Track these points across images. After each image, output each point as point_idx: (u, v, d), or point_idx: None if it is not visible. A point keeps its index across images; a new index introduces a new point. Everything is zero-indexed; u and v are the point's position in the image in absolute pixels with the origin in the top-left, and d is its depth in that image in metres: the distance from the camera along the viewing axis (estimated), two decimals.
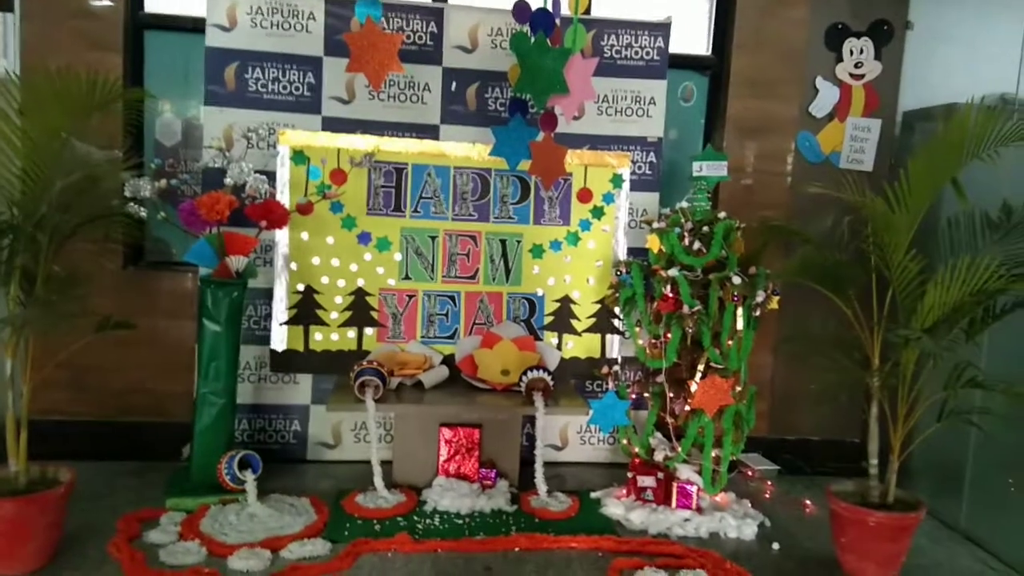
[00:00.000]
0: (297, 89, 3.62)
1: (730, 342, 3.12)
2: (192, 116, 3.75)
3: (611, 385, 3.31)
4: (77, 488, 2.67)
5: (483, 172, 3.69)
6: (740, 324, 3.09)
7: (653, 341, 3.25)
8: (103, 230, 2.99)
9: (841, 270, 2.89)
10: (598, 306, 3.76)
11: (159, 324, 3.65)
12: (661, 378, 3.21)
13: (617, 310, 3.62)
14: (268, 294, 3.57)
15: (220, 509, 2.98)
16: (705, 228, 3.21)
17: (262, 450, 3.51)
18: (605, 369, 3.40)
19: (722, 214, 3.25)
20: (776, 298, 3.16)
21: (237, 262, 3.11)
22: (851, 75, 3.97)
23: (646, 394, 3.32)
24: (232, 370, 3.17)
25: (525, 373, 3.36)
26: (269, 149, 3.59)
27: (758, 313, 3.12)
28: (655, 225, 3.27)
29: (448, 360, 3.63)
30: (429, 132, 3.71)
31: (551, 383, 3.34)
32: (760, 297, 3.07)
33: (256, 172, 3.19)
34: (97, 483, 3.25)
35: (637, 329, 3.35)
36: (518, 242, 3.75)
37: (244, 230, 3.25)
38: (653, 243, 3.30)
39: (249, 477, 3.05)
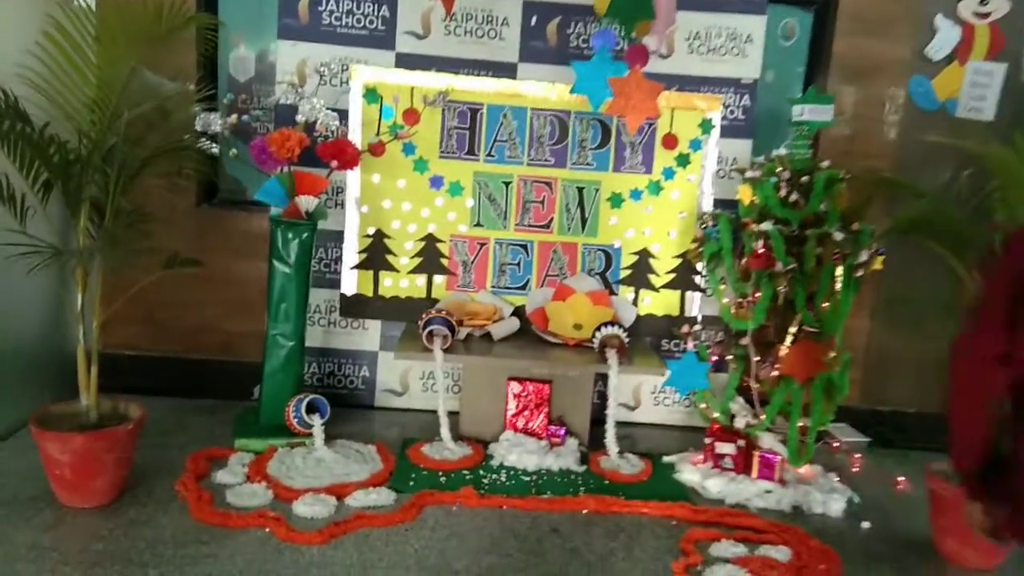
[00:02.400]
0: (371, 23, 3.47)
1: (826, 304, 2.87)
2: (266, 50, 3.64)
3: (690, 345, 3.11)
4: (147, 424, 2.68)
5: (561, 114, 3.48)
6: (839, 285, 2.83)
7: (739, 300, 3.03)
8: (174, 165, 2.92)
9: (962, 228, 2.59)
10: (679, 261, 3.54)
11: (232, 263, 3.63)
12: (746, 340, 2.99)
13: (700, 266, 3.40)
14: (339, 237, 3.49)
15: (287, 452, 2.96)
16: (804, 178, 2.93)
17: (330, 394, 3.48)
18: (685, 328, 3.20)
19: (824, 163, 2.96)
20: (880, 257, 2.88)
21: (307, 202, 3.02)
22: (975, 13, 3.55)
23: (728, 357, 3.11)
24: (301, 312, 3.12)
25: (598, 329, 3.19)
26: (342, 86, 3.46)
27: (860, 274, 2.85)
28: (748, 174, 3.00)
29: (519, 312, 3.49)
30: (506, 71, 3.51)
31: (626, 340, 3.17)
32: (863, 256, 2.80)
33: (328, 109, 3.06)
34: (167, 420, 3.27)
35: (722, 287, 3.13)
36: (596, 190, 3.54)
37: (315, 170, 3.16)
38: (745, 194, 3.04)
39: (316, 421, 3.01)
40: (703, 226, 3.20)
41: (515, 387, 3.23)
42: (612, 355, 3.12)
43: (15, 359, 3.06)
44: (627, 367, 3.13)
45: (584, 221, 3.56)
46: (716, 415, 3.12)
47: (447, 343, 3.10)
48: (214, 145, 3.01)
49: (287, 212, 3.01)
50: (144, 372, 3.63)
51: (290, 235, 3.01)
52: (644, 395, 3.72)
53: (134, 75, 2.45)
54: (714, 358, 3.13)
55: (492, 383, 3.25)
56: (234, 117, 2.98)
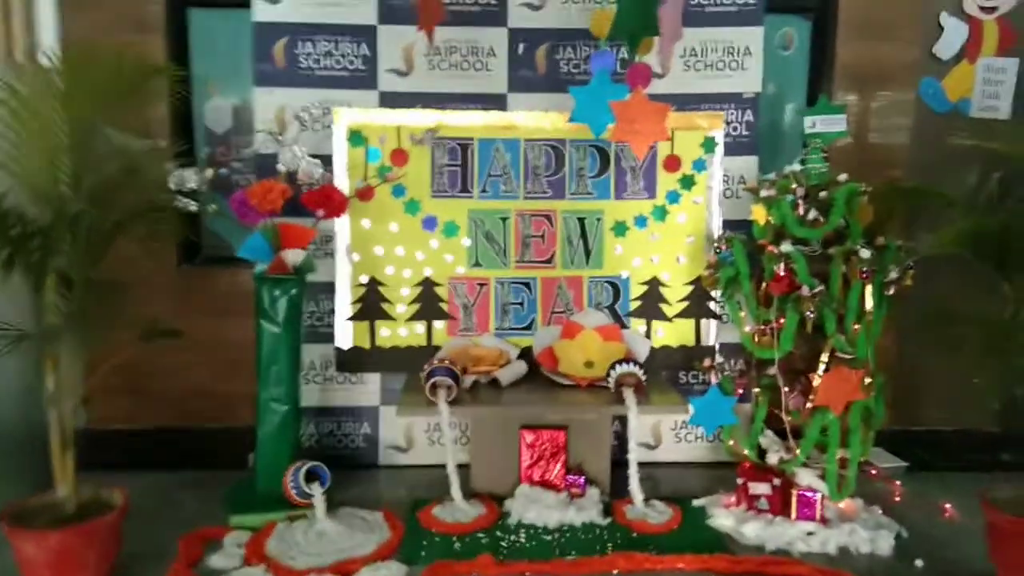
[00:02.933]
0: (351, 63, 3.31)
1: (857, 327, 2.67)
2: (244, 99, 3.48)
3: (713, 379, 2.90)
4: (137, 504, 2.48)
5: (556, 143, 3.31)
6: (868, 305, 2.63)
7: (762, 328, 2.83)
8: (149, 226, 2.74)
9: (1009, 238, 2.38)
10: (691, 288, 3.35)
11: (219, 323, 3.42)
12: (773, 370, 2.79)
13: (715, 293, 3.21)
14: (330, 288, 3.30)
15: (287, 527, 2.73)
16: (822, 194, 2.75)
17: (332, 456, 3.27)
18: (707, 362, 2.99)
19: (842, 176, 2.78)
20: (910, 272, 2.68)
21: (294, 256, 2.83)
22: (981, 8, 3.40)
23: (755, 389, 2.89)
24: (294, 373, 2.91)
25: (612, 367, 2.98)
26: (324, 130, 3.30)
27: (891, 292, 2.65)
28: (763, 193, 2.82)
29: (526, 354, 3.29)
30: (495, 102, 3.35)
31: (643, 378, 2.96)
32: (893, 273, 2.61)
33: (310, 156, 2.88)
34: (157, 498, 3.05)
35: (741, 314, 2.92)
36: (598, 220, 3.36)
37: (302, 220, 2.98)
38: (759, 214, 2.86)
39: (317, 491, 2.79)
40: (716, 250, 3.01)
41: (528, 436, 3.02)
42: (629, 395, 2.91)
43: None
44: (646, 407, 2.92)
45: (588, 253, 3.37)
46: (746, 452, 2.90)
47: (452, 394, 2.89)
48: (192, 203, 2.84)
49: (272, 267, 2.82)
50: (132, 447, 3.42)
51: (277, 292, 2.82)
52: (665, 432, 3.50)
53: (95, 135, 2.27)
54: (739, 391, 2.92)
55: (503, 434, 3.04)
56: (209, 171, 2.80)
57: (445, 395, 2.88)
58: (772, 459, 2.85)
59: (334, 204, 2.94)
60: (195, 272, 3.46)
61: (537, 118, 3.29)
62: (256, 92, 3.28)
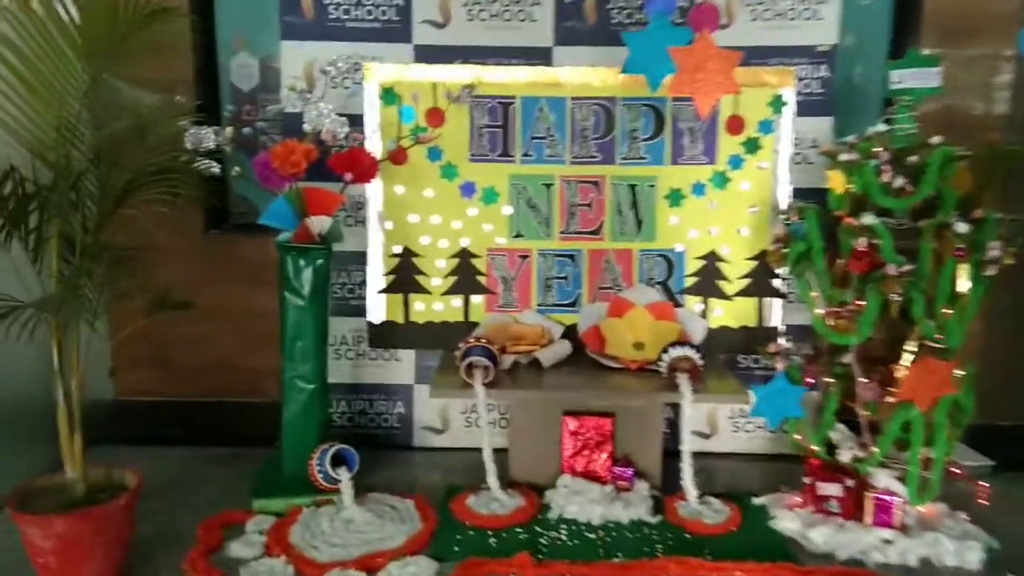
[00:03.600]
0: (384, 13, 3.06)
1: (948, 311, 2.34)
2: (271, 54, 3.26)
3: (779, 366, 2.61)
4: (158, 481, 2.40)
5: (606, 102, 3.01)
6: (963, 287, 2.30)
7: (837, 310, 2.52)
8: (167, 189, 2.54)
9: None
10: (754, 263, 3.04)
11: (249, 293, 3.25)
12: (849, 358, 2.49)
13: (782, 270, 2.90)
14: (362, 258, 3.09)
15: (312, 513, 2.56)
16: (911, 159, 2.41)
17: (362, 436, 3.11)
18: (772, 347, 2.69)
19: (935, 139, 2.43)
20: (1012, 250, 2.34)
21: (319, 223, 2.62)
22: None
23: (827, 378, 2.59)
24: (321, 350, 2.72)
25: (665, 350, 2.71)
26: (355, 87, 3.06)
27: (991, 272, 2.31)
28: (842, 157, 2.49)
29: (570, 332, 3.04)
30: (540, 57, 3.07)
31: (699, 363, 2.69)
32: (994, 250, 2.27)
33: (336, 115, 2.63)
34: (181, 475, 2.93)
35: (812, 295, 2.62)
36: (651, 187, 3.06)
37: (329, 185, 2.76)
38: (836, 181, 2.53)
39: (344, 476, 2.60)
40: (786, 222, 2.69)
41: (571, 423, 2.78)
42: (684, 381, 2.64)
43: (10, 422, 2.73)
44: (703, 395, 2.65)
45: (639, 223, 3.08)
46: (814, 448, 2.62)
47: (489, 376, 2.66)
48: (214, 164, 2.64)
49: (297, 236, 2.61)
50: (161, 419, 3.30)
51: (302, 262, 2.62)
52: (721, 420, 3.22)
53: (98, 88, 2.06)
54: (808, 380, 2.62)
55: (544, 419, 2.81)
56: (229, 130, 2.58)
57: (482, 376, 2.65)
58: (844, 457, 2.56)
59: (363, 167, 2.71)
60: (222, 239, 3.29)
61: (585, 74, 3.00)
62: (283, 46, 3.06)
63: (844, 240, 2.46)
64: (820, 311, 2.59)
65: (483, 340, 2.73)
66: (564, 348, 2.97)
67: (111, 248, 2.23)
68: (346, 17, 3.06)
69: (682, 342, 2.75)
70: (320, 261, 2.63)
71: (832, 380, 2.60)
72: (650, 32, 2.39)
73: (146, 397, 3.31)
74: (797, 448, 2.73)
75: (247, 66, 3.29)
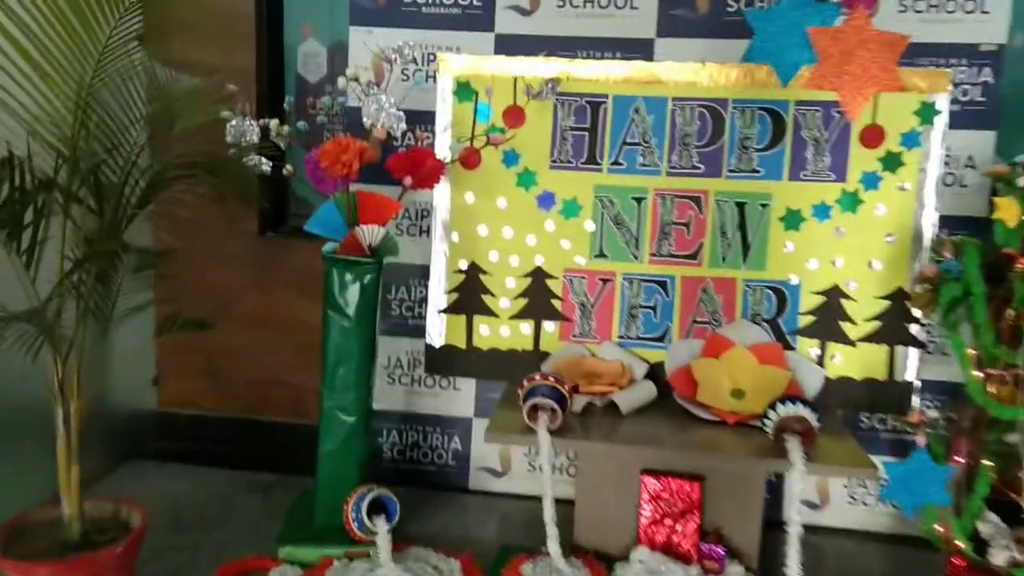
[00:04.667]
0: None
1: None
2: (340, 43, 2.97)
3: (921, 440, 2.09)
4: (185, 509, 2.27)
5: (715, 104, 2.56)
6: None
7: (1001, 373, 1.98)
8: (209, 186, 2.27)
9: None
10: (886, 303, 2.52)
11: (303, 303, 2.94)
12: (1015, 437, 1.94)
13: (928, 317, 2.37)
14: (425, 272, 2.74)
15: (345, 566, 2.23)
16: None
17: (413, 473, 2.76)
18: (915, 416, 2.16)
19: None
20: None
21: (370, 233, 2.28)
22: None
23: (981, 458, 2.05)
24: (366, 378, 2.38)
25: (773, 407, 2.23)
26: (428, 82, 2.73)
27: None
28: (1021, 182, 1.95)
29: (655, 372, 2.59)
30: (639, 49, 2.65)
31: (815, 425, 2.19)
32: None
33: (395, 109, 2.28)
34: (214, 502, 2.67)
35: (969, 352, 2.07)
36: (764, 206, 2.59)
37: (386, 189, 2.44)
38: (1009, 211, 2.00)
39: (381, 527, 2.26)
40: (935, 258, 2.17)
41: (652, 484, 2.34)
42: (794, 447, 2.15)
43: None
44: (819, 465, 2.15)
45: (746, 248, 2.61)
46: (958, 542, 2.08)
47: (556, 421, 2.26)
48: (264, 161, 2.36)
49: (344, 246, 2.29)
50: (202, 435, 3.07)
51: (348, 277, 2.29)
52: (834, 488, 2.70)
53: (116, 65, 1.78)
54: (956, 458, 2.09)
55: (620, 477, 2.37)
56: (275, 123, 2.28)
57: (547, 421, 2.25)
58: (998, 558, 2.02)
59: (425, 171, 2.37)
60: (279, 242, 3.02)
61: (691, 71, 2.55)
62: (351, 32, 2.77)
63: (1017, 286, 1.92)
64: (978, 373, 2.04)
65: (551, 378, 2.32)
66: (647, 391, 2.54)
67: (132, 251, 1.95)
68: (423, 1, 2.73)
69: (793, 396, 2.27)
70: (369, 277, 2.29)
71: (987, 460, 2.06)
72: (783, 9, 1.91)
73: (189, 410, 3.08)
74: (935, 538, 2.19)
75: (315, 55, 3.02)
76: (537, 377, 2.33)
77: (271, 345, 3.01)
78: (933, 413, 2.17)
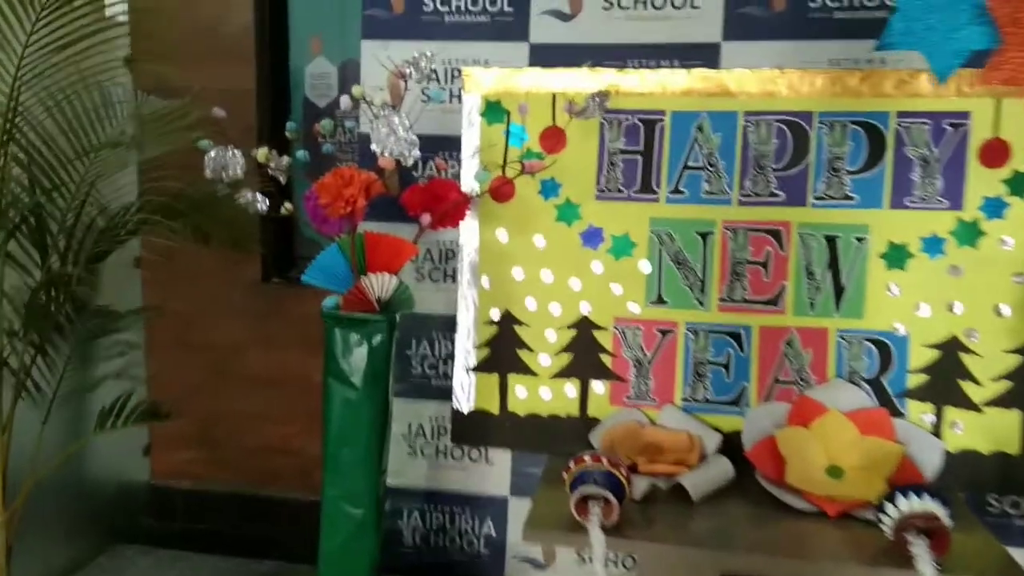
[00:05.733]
0: (494, 4, 2.34)
1: None
2: (352, 61, 2.62)
3: None
4: None
5: (797, 118, 2.12)
6: None
7: None
8: (193, 231, 1.90)
9: None
10: (1019, 357, 2.02)
11: (312, 360, 2.56)
12: None
13: None
14: (449, 324, 2.35)
15: None
16: None
17: (439, 565, 2.33)
18: None
19: None
20: None
21: (380, 284, 1.87)
22: None
23: None
24: (376, 460, 1.97)
25: (892, 498, 1.74)
26: (453, 101, 2.35)
27: None
28: None
29: (731, 445, 2.13)
30: (702, 56, 2.24)
31: (949, 523, 1.69)
32: None
33: (404, 132, 1.88)
34: None
35: None
36: (860, 240, 2.13)
37: (406, 228, 2.05)
38: None
39: None
40: None
41: None
42: (922, 551, 1.66)
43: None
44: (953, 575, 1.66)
45: (839, 292, 2.15)
46: None
47: (612, 516, 1.80)
48: (259, 199, 1.99)
49: (349, 300, 1.88)
50: (198, 513, 2.70)
51: (353, 338, 1.88)
52: None
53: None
54: None
55: None
56: (263, 152, 1.90)
57: (600, 516, 1.79)
58: None
59: (447, 207, 1.96)
60: (285, 291, 2.66)
61: (767, 79, 2.13)
62: (363, 47, 2.40)
63: None
64: None
65: (605, 460, 1.87)
66: (722, 471, 2.07)
67: (87, 313, 1.57)
68: (445, 9, 2.36)
69: (917, 486, 1.77)
70: (379, 338, 1.88)
71: None
72: None
73: (184, 483, 2.71)
74: None
75: (325, 75, 2.66)
76: (587, 458, 1.88)
77: (276, 409, 2.63)
78: None
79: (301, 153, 2.05)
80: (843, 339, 2.15)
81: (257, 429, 2.64)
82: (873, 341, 2.14)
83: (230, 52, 2.53)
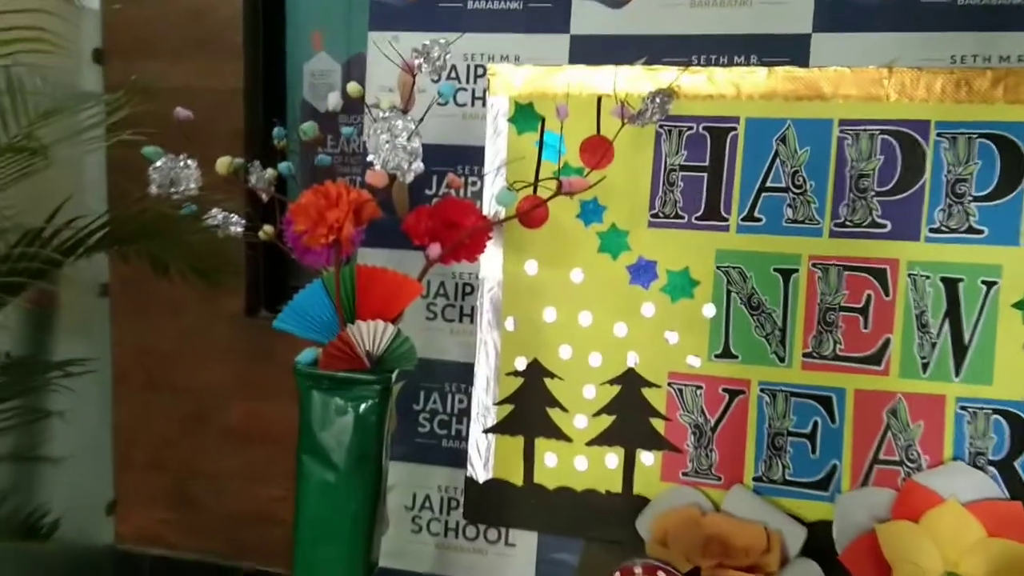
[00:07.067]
0: None
1: None
2: (360, 54, 2.26)
3: None
4: None
5: (909, 129, 1.70)
6: None
7: None
8: (139, 256, 1.51)
9: None
10: None
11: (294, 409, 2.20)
12: None
13: None
14: (466, 373, 1.94)
15: None
16: None
17: None
18: None
19: None
20: None
21: (371, 334, 1.45)
22: None
23: None
24: (361, 563, 1.52)
25: None
26: (475, 105, 1.97)
27: None
28: None
29: (819, 540, 1.69)
30: (786, 51, 1.82)
31: None
32: None
33: (405, 139, 1.46)
34: None
35: None
36: (989, 285, 1.68)
37: (413, 258, 1.66)
38: None
39: None
40: None
41: None
42: None
43: None
44: None
45: (960, 350, 1.70)
46: None
47: None
48: (232, 220, 1.61)
49: (330, 355, 1.46)
50: None
51: (336, 404, 1.46)
52: None
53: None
54: None
55: None
56: (223, 161, 1.50)
57: None
58: None
59: (462, 236, 1.54)
60: (265, 327, 2.26)
61: (870, 80, 1.70)
62: (371, 39, 2.02)
63: None
64: None
65: (660, 572, 1.44)
66: (808, 573, 1.63)
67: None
68: None
69: None
70: (369, 404, 1.45)
71: None
72: None
73: (151, 548, 2.34)
74: None
75: (326, 73, 2.28)
76: (638, 570, 1.44)
77: (261, 466, 2.25)
78: None
79: (284, 165, 1.66)
80: (964, 410, 1.70)
81: (237, 490, 2.27)
82: (1003, 413, 1.68)
83: (216, 45, 2.17)
